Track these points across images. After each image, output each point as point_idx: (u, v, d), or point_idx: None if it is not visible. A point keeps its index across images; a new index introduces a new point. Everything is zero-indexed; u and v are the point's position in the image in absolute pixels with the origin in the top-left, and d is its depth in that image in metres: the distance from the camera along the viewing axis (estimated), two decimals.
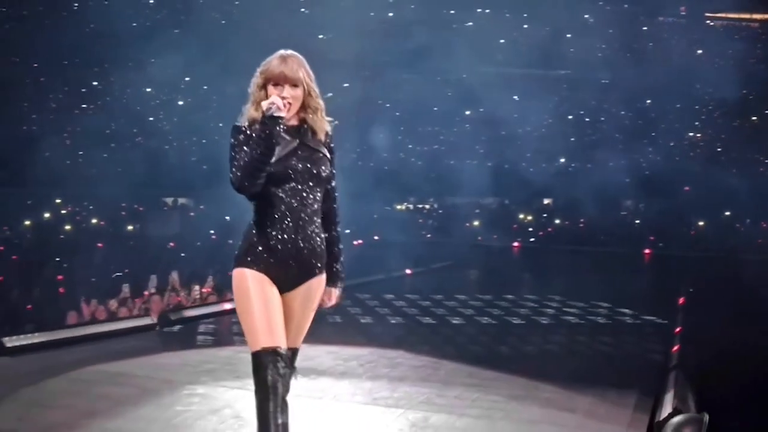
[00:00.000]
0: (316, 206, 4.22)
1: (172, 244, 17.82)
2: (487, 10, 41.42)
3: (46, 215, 22.65)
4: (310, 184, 4.18)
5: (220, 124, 30.97)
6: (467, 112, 35.79)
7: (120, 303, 12.78)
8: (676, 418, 5.86)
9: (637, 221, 27.10)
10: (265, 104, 4.11)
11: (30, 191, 24.23)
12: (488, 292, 15.15)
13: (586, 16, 41.75)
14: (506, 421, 6.22)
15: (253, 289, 4.12)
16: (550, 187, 30.36)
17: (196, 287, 13.65)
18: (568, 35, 40.17)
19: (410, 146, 33.52)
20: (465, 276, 17.97)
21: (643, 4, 40.44)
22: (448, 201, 30.25)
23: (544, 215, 27.34)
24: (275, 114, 4.07)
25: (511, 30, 40.57)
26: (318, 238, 4.23)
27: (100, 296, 13.31)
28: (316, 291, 4.29)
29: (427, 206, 29.59)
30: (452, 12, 41.38)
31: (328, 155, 4.31)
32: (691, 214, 28.84)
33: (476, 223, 26.07)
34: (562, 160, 33.19)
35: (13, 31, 37.89)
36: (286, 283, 4.18)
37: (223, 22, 35.57)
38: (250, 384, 3.98)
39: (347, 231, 22.33)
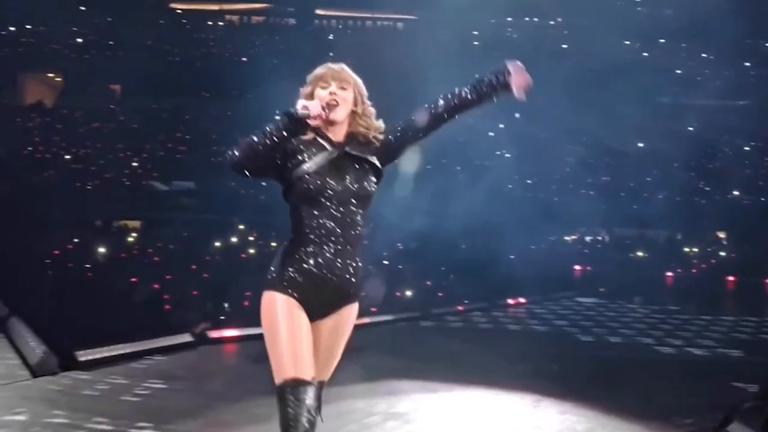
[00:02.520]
0: (356, 228, 4.07)
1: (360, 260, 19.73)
2: (662, 40, 42.11)
3: (233, 239, 25.13)
4: (351, 203, 4.04)
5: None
6: (640, 144, 36.52)
7: None
8: (746, 404, 7.28)
9: None
10: (300, 103, 4.00)
11: (218, 217, 26.87)
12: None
13: (767, 44, 41.77)
14: (603, 401, 7.81)
15: (282, 315, 3.99)
16: (722, 219, 30.59)
17: None
18: (747, 64, 40.34)
19: (582, 177, 34.42)
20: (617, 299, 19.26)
21: None
22: (617, 232, 30.98)
23: (708, 249, 27.79)
24: (299, 115, 3.92)
25: (687, 60, 41.08)
26: (354, 265, 4.06)
27: None
28: (347, 321, 4.15)
29: (589, 237, 30.42)
30: (627, 42, 42.28)
31: (377, 161, 4.13)
32: None
33: (640, 253, 26.95)
34: (736, 192, 33.35)
35: (203, 69, 41.54)
36: (316, 311, 4.06)
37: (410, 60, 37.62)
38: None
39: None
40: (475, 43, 44.41)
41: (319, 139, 4.12)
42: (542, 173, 33.53)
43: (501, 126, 38.18)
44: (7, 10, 44.23)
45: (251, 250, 23.57)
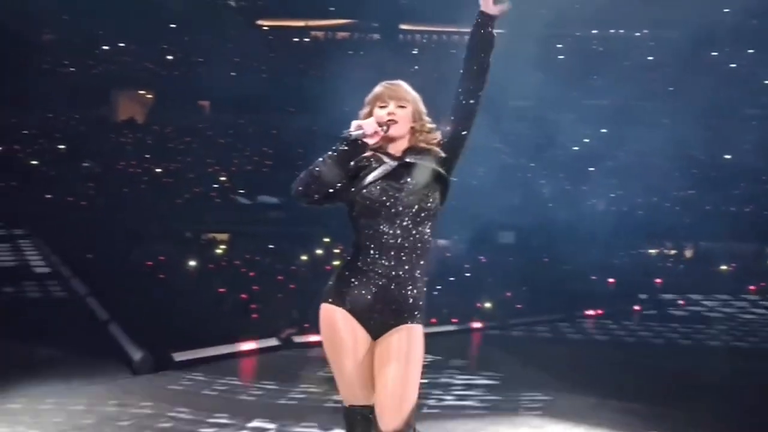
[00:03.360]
0: (420, 242, 3.99)
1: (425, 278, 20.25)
2: (751, 51, 41.69)
3: (319, 251, 25.79)
4: (414, 215, 3.98)
5: (480, 170, 33.45)
6: (726, 156, 36.29)
7: None
8: None
9: None
10: (354, 123, 4.00)
11: (304, 230, 27.57)
12: None
13: None
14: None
15: (344, 335, 3.98)
16: None
17: None
18: None
19: (667, 190, 34.28)
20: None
21: None
22: (703, 246, 30.80)
23: None
24: (354, 137, 3.94)
25: None
26: (413, 281, 3.99)
27: None
28: (407, 343, 3.95)
29: (674, 251, 30.28)
30: (714, 53, 41.99)
31: (438, 167, 4.04)
32: None
33: (723, 267, 26.82)
34: None
35: (289, 84, 42.62)
36: (374, 328, 3.99)
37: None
38: None
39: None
40: (561, 57, 44.59)
41: (379, 154, 4.10)
42: (626, 186, 33.55)
43: (586, 140, 38.32)
44: (101, 29, 46.11)
45: (336, 262, 24.19)
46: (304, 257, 24.35)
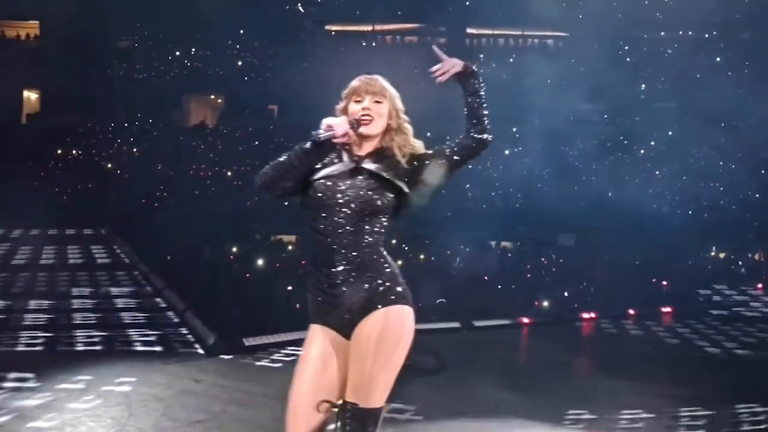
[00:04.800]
0: (369, 241, 3.90)
1: (486, 277, 20.91)
2: None
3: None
4: (361, 214, 3.90)
5: (545, 172, 33.91)
6: None
7: None
8: None
9: None
10: (324, 122, 3.92)
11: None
12: None
13: None
14: None
15: (305, 349, 4.03)
16: None
17: None
18: None
19: (734, 193, 34.28)
20: None
21: None
22: None
23: None
24: (323, 138, 3.87)
25: None
26: (369, 279, 3.92)
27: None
28: (379, 327, 3.87)
29: (738, 255, 30.22)
30: None
31: (397, 181, 3.96)
32: None
33: None
34: None
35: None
36: (343, 327, 3.95)
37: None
38: None
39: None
40: (628, 59, 44.79)
41: (342, 151, 4.07)
42: (693, 189, 33.69)
43: (651, 143, 38.51)
44: (174, 36, 47.64)
45: (399, 262, 24.84)
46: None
